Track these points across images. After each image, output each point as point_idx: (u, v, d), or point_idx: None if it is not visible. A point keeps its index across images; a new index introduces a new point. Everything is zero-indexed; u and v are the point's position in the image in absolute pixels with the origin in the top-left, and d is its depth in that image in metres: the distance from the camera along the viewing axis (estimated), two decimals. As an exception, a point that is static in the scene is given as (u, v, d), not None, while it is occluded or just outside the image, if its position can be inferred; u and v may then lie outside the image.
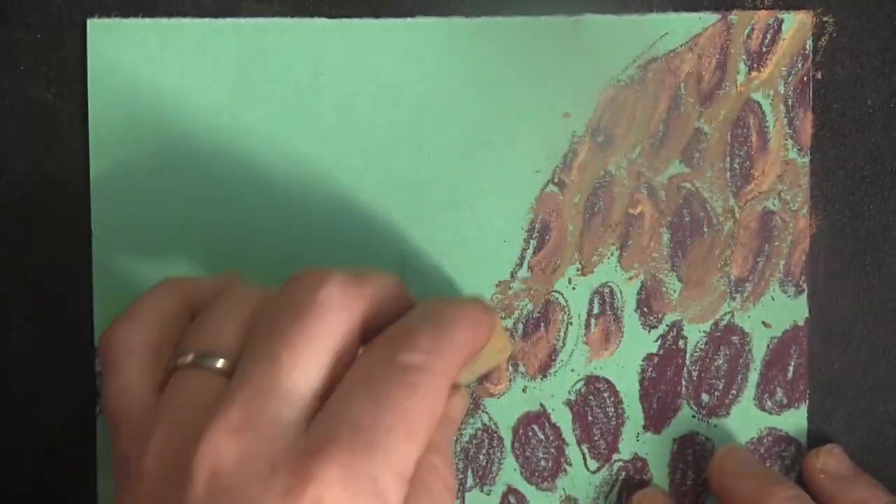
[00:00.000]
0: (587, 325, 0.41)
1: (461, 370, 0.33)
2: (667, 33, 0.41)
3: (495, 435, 0.41)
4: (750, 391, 0.41)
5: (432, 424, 0.31)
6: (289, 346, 0.31)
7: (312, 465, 0.29)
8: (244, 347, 0.32)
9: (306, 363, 0.31)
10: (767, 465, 0.41)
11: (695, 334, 0.41)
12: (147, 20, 0.40)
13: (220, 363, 0.32)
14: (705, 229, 0.41)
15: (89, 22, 0.40)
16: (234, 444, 0.29)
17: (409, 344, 0.31)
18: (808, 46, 0.41)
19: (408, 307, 0.34)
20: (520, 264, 0.41)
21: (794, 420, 0.41)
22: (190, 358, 0.32)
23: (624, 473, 0.42)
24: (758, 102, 0.41)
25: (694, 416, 0.41)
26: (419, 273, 0.41)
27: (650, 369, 0.41)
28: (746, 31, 0.41)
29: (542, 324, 0.41)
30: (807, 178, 0.41)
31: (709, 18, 0.41)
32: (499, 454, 0.41)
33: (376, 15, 0.41)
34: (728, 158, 0.41)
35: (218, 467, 0.29)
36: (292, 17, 0.40)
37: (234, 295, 0.34)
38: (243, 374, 0.31)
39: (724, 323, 0.41)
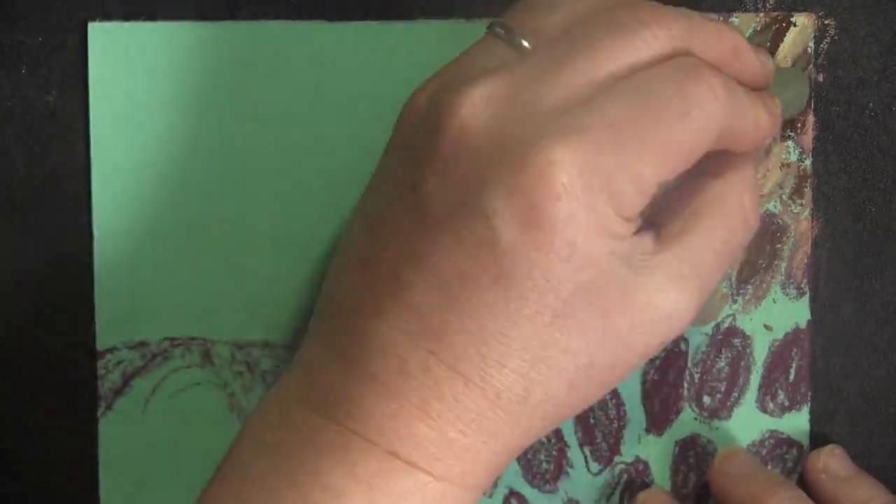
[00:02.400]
0: (589, 328, 0.41)
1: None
2: (668, 36, 0.40)
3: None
4: (752, 393, 0.41)
5: (687, 159, 0.31)
6: (591, 51, 0.31)
7: (552, 143, 0.29)
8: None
9: (595, 70, 0.31)
10: (769, 467, 0.41)
11: (696, 337, 0.41)
12: (148, 23, 0.40)
13: (525, 42, 0.32)
14: (707, 232, 0.41)
15: (90, 25, 0.40)
16: (489, 109, 0.30)
17: (705, 79, 0.31)
18: (809, 49, 0.40)
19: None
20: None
21: (796, 422, 0.41)
22: (501, 31, 0.32)
23: (626, 476, 0.42)
24: (759, 105, 0.41)
25: (696, 419, 0.41)
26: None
27: (652, 372, 0.41)
28: (748, 33, 0.40)
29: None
30: (808, 181, 0.41)
31: (710, 21, 0.41)
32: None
33: (377, 18, 0.40)
34: (730, 161, 0.41)
35: (466, 125, 0.30)
36: (293, 20, 0.40)
37: None
38: (534, 55, 0.31)
39: (725, 325, 0.41)
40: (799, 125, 0.40)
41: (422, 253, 0.30)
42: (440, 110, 0.31)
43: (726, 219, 0.33)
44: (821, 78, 0.41)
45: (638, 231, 0.31)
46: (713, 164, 0.33)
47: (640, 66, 0.31)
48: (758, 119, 0.33)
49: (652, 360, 0.41)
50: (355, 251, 0.32)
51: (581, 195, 0.29)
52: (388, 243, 0.31)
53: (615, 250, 0.30)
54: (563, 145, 0.29)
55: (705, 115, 0.31)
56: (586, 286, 0.30)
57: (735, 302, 0.41)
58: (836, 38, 0.41)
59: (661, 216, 0.33)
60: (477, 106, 0.30)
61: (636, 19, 0.31)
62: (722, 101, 0.31)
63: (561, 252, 0.29)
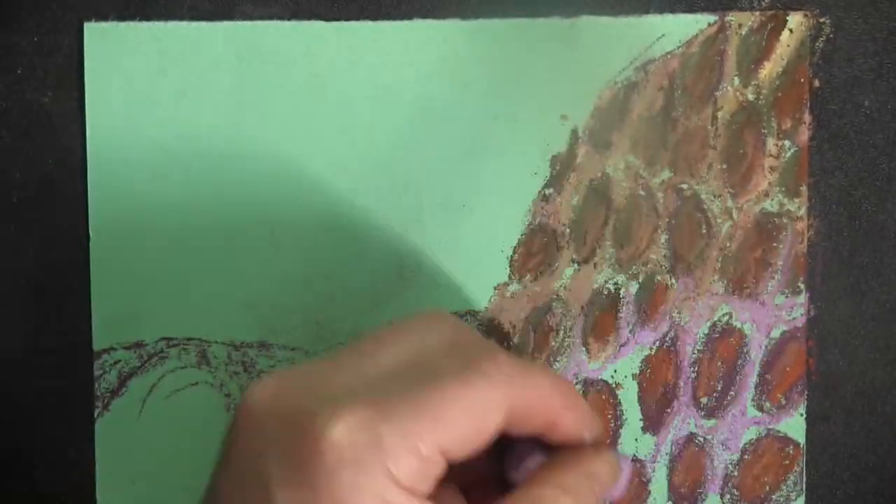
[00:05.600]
0: (585, 327, 0.41)
1: None
2: (663, 35, 0.41)
3: (494, 437, 0.41)
4: (748, 392, 0.41)
5: (473, 428, 0.30)
6: (377, 339, 0.32)
7: (326, 409, 0.29)
8: None
9: (382, 355, 0.32)
10: (768, 468, 0.41)
11: (693, 335, 0.41)
12: (144, 24, 0.40)
13: None
14: (703, 231, 0.41)
15: (86, 26, 0.40)
16: (273, 390, 0.31)
17: (486, 356, 0.31)
18: (805, 48, 0.41)
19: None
20: (518, 266, 0.41)
21: (793, 421, 0.41)
22: None
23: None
24: (755, 103, 0.41)
25: (692, 418, 0.41)
26: (417, 275, 0.41)
27: (648, 371, 0.41)
28: (743, 32, 0.41)
29: (541, 326, 0.41)
30: (804, 180, 0.41)
31: (705, 20, 0.41)
32: (497, 456, 0.41)
33: (373, 17, 0.40)
34: (726, 160, 0.41)
35: (250, 409, 0.30)
36: (289, 20, 0.40)
37: None
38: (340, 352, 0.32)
39: (722, 324, 0.41)
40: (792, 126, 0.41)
41: None
42: (240, 402, 0.31)
43: None
44: (816, 76, 0.41)
45: None
46: (543, 475, 0.33)
47: (424, 352, 0.32)
48: (567, 404, 0.33)
49: (648, 359, 0.41)
50: None
51: (347, 449, 0.29)
52: None
53: None
54: (334, 409, 0.29)
55: (488, 384, 0.30)
56: None
57: (731, 301, 0.41)
58: (831, 36, 0.41)
59: None
60: (263, 391, 0.31)
61: (422, 322, 0.33)
62: (507, 375, 0.31)
63: None
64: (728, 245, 0.41)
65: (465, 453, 0.30)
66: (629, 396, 0.41)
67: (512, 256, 0.41)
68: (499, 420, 0.31)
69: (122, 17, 0.40)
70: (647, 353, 0.41)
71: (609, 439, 0.41)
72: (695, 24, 0.41)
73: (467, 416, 0.30)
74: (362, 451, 0.29)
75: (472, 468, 0.32)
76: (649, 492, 0.42)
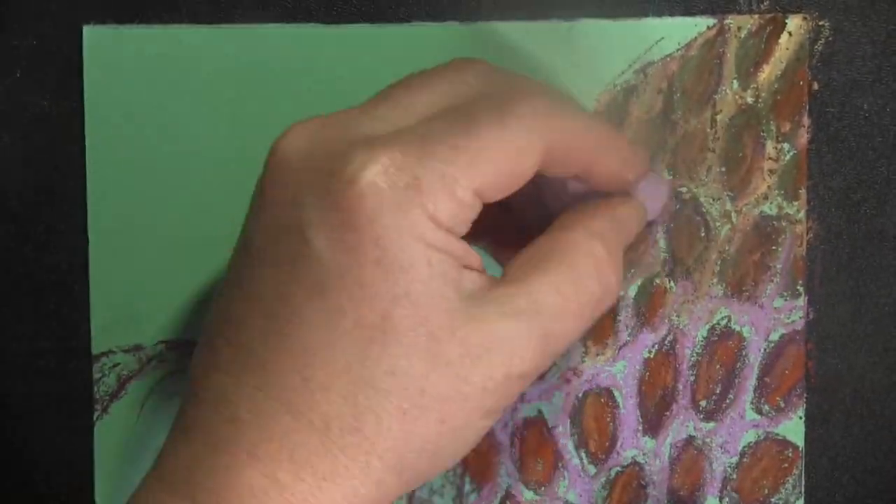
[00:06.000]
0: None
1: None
2: (662, 38, 0.41)
3: (493, 439, 0.41)
4: (747, 395, 0.41)
5: (509, 170, 0.30)
6: (408, 86, 0.32)
7: (361, 152, 0.29)
8: None
9: (412, 100, 0.31)
10: (766, 471, 0.41)
11: (692, 338, 0.41)
12: (143, 27, 0.40)
13: None
14: (702, 234, 0.41)
15: (85, 29, 0.40)
16: (305, 138, 0.30)
17: (521, 98, 0.31)
18: (804, 51, 0.40)
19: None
20: (516, 269, 0.41)
21: (792, 424, 0.41)
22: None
23: (622, 478, 0.42)
24: (754, 106, 0.41)
25: (691, 421, 0.41)
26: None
27: (647, 374, 0.41)
28: (742, 35, 0.40)
29: (539, 329, 0.41)
30: (803, 183, 0.41)
31: (704, 23, 0.41)
32: (496, 459, 0.41)
33: (372, 21, 0.40)
34: (724, 163, 0.41)
35: (282, 158, 0.30)
36: (287, 23, 0.40)
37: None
38: (368, 101, 0.32)
39: (721, 327, 0.41)
40: (791, 129, 0.40)
41: (248, 286, 0.30)
42: (269, 153, 0.31)
43: (574, 263, 0.32)
44: (815, 79, 0.41)
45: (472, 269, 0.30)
46: (570, 219, 0.33)
47: (458, 98, 0.31)
48: (604, 144, 0.33)
49: (647, 362, 0.41)
50: (215, 309, 0.32)
51: (387, 191, 0.28)
52: (228, 290, 0.31)
53: (433, 261, 0.29)
54: (370, 151, 0.29)
55: (524, 126, 0.30)
56: (404, 299, 0.28)
57: (730, 304, 0.41)
58: (830, 39, 0.41)
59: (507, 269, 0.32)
60: (294, 139, 0.30)
61: (454, 69, 0.33)
62: (543, 116, 0.31)
63: (370, 253, 0.28)
64: (727, 248, 0.41)
65: (502, 195, 0.30)
66: (628, 399, 0.41)
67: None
68: (535, 161, 0.31)
69: (121, 21, 0.40)
70: (645, 356, 0.41)
71: (608, 441, 0.41)
72: (693, 27, 0.41)
73: (503, 159, 0.30)
74: (401, 192, 0.28)
75: (503, 211, 0.33)
76: (648, 495, 0.42)
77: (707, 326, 0.41)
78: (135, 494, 0.30)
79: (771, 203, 0.41)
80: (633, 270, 0.41)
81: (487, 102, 0.31)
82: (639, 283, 0.41)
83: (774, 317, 0.41)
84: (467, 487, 0.41)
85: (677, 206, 0.41)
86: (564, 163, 0.32)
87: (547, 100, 0.32)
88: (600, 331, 0.41)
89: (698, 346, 0.41)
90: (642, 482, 0.42)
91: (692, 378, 0.41)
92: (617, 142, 0.34)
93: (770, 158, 0.41)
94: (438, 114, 0.31)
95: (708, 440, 0.41)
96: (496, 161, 0.30)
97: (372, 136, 0.30)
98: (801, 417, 0.41)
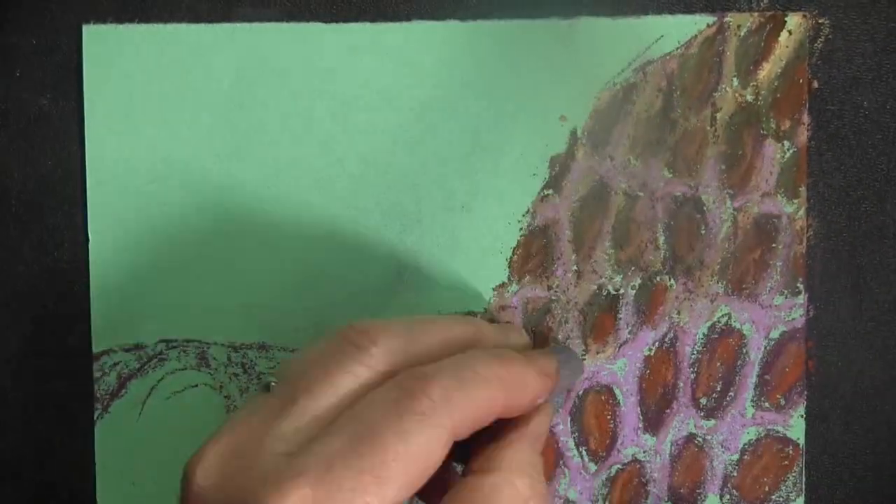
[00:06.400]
0: (584, 328, 0.41)
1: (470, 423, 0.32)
2: (662, 36, 0.41)
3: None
4: (747, 393, 0.41)
5: (419, 472, 0.30)
6: (309, 390, 0.31)
7: (271, 492, 0.29)
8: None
9: (316, 407, 0.31)
10: (767, 468, 0.41)
11: (692, 336, 0.41)
12: (142, 26, 0.40)
13: (272, 380, 0.33)
14: (702, 231, 0.41)
15: (85, 28, 0.40)
16: (218, 467, 0.31)
17: (419, 391, 0.31)
18: (803, 49, 0.40)
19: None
20: (517, 267, 0.41)
21: (792, 421, 0.41)
22: (273, 380, 0.33)
23: (622, 475, 0.42)
24: (754, 104, 0.41)
25: (692, 418, 0.41)
26: (416, 277, 0.41)
27: (648, 371, 0.41)
28: (742, 33, 0.41)
29: (540, 327, 0.41)
30: (803, 181, 0.41)
31: (704, 21, 0.41)
32: (497, 457, 0.41)
33: (372, 19, 0.40)
34: (725, 161, 0.41)
35: (199, 490, 0.31)
36: (288, 21, 0.40)
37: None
38: (271, 396, 0.32)
39: (721, 325, 0.41)
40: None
41: None
42: (184, 476, 0.31)
43: None
44: (815, 77, 0.41)
45: None
46: (487, 458, 0.33)
47: (363, 391, 0.31)
48: (515, 393, 0.33)
49: (648, 360, 0.41)
50: None
51: None
52: None
53: None
54: (279, 491, 0.29)
55: (426, 426, 0.31)
56: None
57: (731, 301, 0.41)
58: (830, 37, 0.41)
59: None
60: (208, 467, 0.31)
61: (352, 343, 0.32)
62: (445, 404, 0.31)
63: None
64: (727, 246, 0.41)
65: (415, 489, 0.31)
66: (628, 397, 0.41)
67: (511, 257, 0.41)
68: (443, 451, 0.31)
69: (120, 19, 0.40)
70: (646, 353, 0.41)
71: (608, 438, 0.41)
72: (693, 25, 0.41)
73: (411, 464, 0.30)
74: None
75: None
76: (648, 492, 0.42)
77: (707, 324, 0.41)
78: None
79: (771, 201, 0.41)
80: (634, 268, 0.41)
81: (385, 398, 0.31)
82: (639, 281, 0.41)
83: (775, 314, 0.41)
84: (468, 485, 0.41)
85: (678, 204, 0.41)
86: (473, 427, 0.32)
87: (447, 377, 0.32)
88: (601, 329, 0.41)
89: (699, 344, 0.41)
90: (643, 480, 0.42)
91: (693, 376, 0.41)
92: (526, 379, 0.34)
93: (770, 156, 0.41)
94: (340, 417, 0.31)
95: (708, 438, 0.41)
96: (404, 472, 0.30)
97: (280, 466, 0.30)
98: (801, 415, 0.41)
